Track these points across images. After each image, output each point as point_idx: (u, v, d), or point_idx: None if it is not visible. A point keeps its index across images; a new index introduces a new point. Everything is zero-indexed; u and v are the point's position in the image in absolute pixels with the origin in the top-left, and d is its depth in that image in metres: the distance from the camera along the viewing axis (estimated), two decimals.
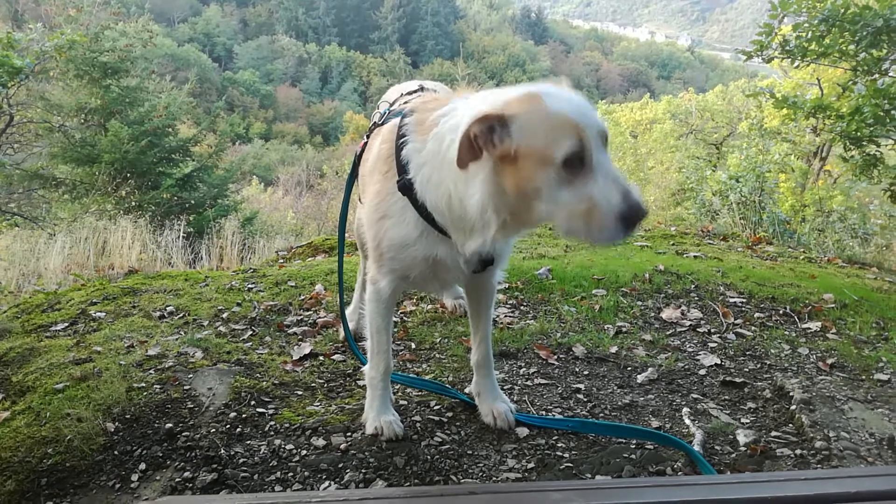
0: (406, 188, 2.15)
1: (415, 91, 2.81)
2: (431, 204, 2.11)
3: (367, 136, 2.68)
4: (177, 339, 3.19)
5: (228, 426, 2.54)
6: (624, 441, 2.59)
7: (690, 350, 3.41)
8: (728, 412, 2.85)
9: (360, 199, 2.84)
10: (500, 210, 1.93)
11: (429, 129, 2.11)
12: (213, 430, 2.51)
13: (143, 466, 2.34)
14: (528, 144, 1.81)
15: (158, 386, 2.74)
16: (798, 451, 2.52)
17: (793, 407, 2.81)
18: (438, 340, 3.37)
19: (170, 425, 2.51)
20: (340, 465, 2.37)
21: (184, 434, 2.48)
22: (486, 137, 1.84)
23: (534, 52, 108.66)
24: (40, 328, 3.45)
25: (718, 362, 3.26)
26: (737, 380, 3.10)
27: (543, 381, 3.00)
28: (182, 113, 16.29)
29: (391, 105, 2.71)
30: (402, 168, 2.17)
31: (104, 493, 2.25)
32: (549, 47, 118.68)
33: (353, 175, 2.84)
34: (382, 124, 2.49)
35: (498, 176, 1.89)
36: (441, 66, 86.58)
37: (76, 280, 5.56)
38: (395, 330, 3.47)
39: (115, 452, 2.40)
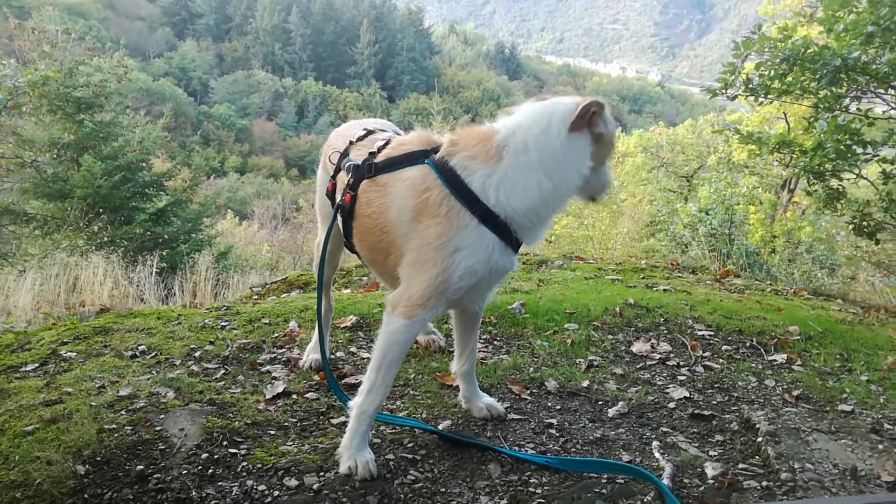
0: (486, 213, 2.44)
1: (364, 135, 2.97)
2: (516, 207, 2.46)
3: (352, 188, 2.76)
4: (149, 379, 3.17)
5: (200, 467, 2.53)
6: (595, 475, 2.63)
7: (660, 383, 3.47)
8: (696, 445, 2.91)
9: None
10: (588, 174, 2.52)
11: (494, 156, 2.48)
12: (185, 471, 2.50)
13: None
14: (609, 133, 2.53)
15: (129, 427, 2.72)
16: (764, 483, 2.57)
17: (759, 439, 2.87)
18: (412, 377, 3.39)
19: (141, 467, 2.49)
20: None
21: (155, 476, 2.46)
22: (595, 117, 2.45)
23: (508, 87, 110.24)
24: (10, 369, 3.40)
25: (687, 395, 3.32)
26: (705, 412, 3.16)
27: (516, 417, 3.03)
28: (156, 147, 16.28)
29: (343, 152, 2.93)
30: (471, 199, 2.44)
31: None
32: (524, 82, 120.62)
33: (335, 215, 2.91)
34: (372, 175, 2.69)
35: (592, 148, 2.49)
36: (417, 101, 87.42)
37: (46, 319, 5.49)
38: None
39: (86, 496, 2.37)
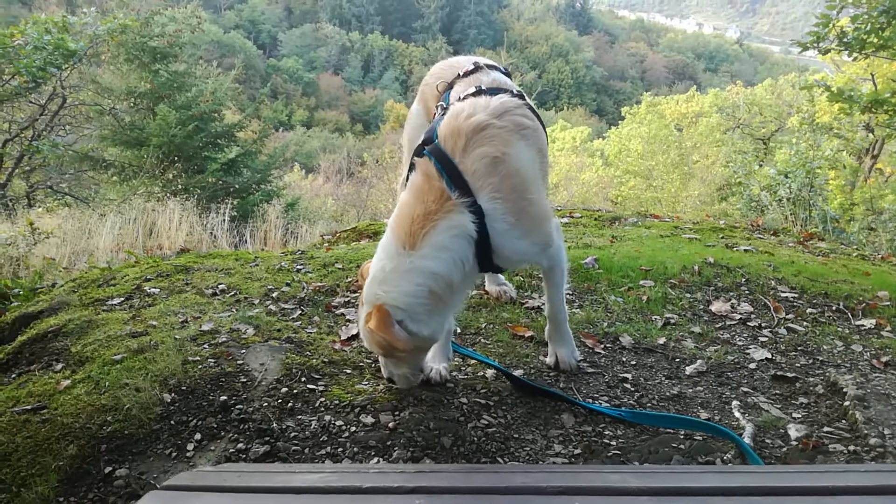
0: None
1: (472, 70, 2.86)
2: None
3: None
4: (229, 316, 3.26)
5: (280, 400, 2.59)
6: (672, 431, 2.58)
7: (740, 344, 3.36)
8: (779, 406, 2.81)
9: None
10: None
11: None
12: (266, 403, 2.57)
13: (198, 436, 2.41)
14: None
15: (212, 360, 2.81)
16: (851, 448, 2.47)
17: (846, 403, 2.75)
18: (483, 326, 3.38)
19: (224, 398, 2.58)
20: (389, 443, 2.40)
21: (237, 407, 2.54)
22: None
23: (577, 43, 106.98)
24: (97, 302, 3.55)
25: (769, 357, 3.21)
26: (788, 375, 3.05)
27: (590, 370, 2.99)
28: (228, 99, 16.57)
29: (449, 83, 2.85)
30: None
31: (161, 461, 2.32)
32: (594, 38, 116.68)
33: None
34: None
35: None
36: (483, 55, 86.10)
37: (129, 257, 5.70)
38: None
39: (172, 422, 2.47)
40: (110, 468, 2.28)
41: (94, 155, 14.61)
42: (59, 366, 2.86)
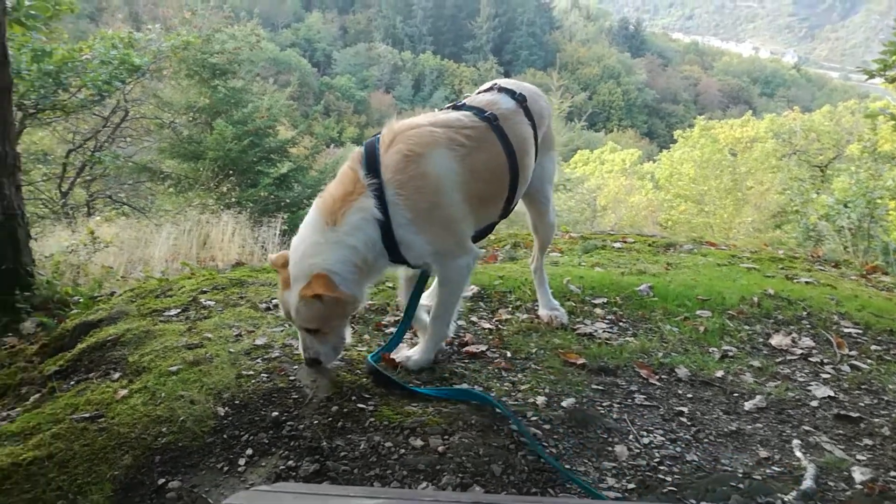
0: None
1: (487, 90, 3.24)
2: None
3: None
4: (282, 331, 3.29)
5: (330, 419, 2.59)
6: (730, 469, 2.49)
7: (801, 379, 3.24)
8: (842, 447, 2.70)
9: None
10: None
11: None
12: (317, 421, 2.57)
13: (249, 451, 2.42)
14: None
15: (265, 374, 2.83)
16: None
17: None
18: (534, 351, 3.33)
19: (276, 413, 2.59)
20: (438, 468, 2.38)
21: (288, 423, 2.55)
22: None
23: (629, 65, 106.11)
24: (154, 312, 3.62)
25: (832, 394, 3.08)
26: (852, 414, 2.93)
27: (645, 402, 2.91)
28: (282, 115, 16.90)
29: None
30: None
31: (213, 475, 2.34)
32: (646, 60, 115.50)
33: None
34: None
35: None
36: (534, 76, 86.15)
37: (184, 269, 5.82)
38: (490, 337, 3.45)
39: (225, 436, 2.49)
40: (163, 480, 2.30)
41: (152, 167, 15.05)
42: (117, 375, 2.92)
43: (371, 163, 2.62)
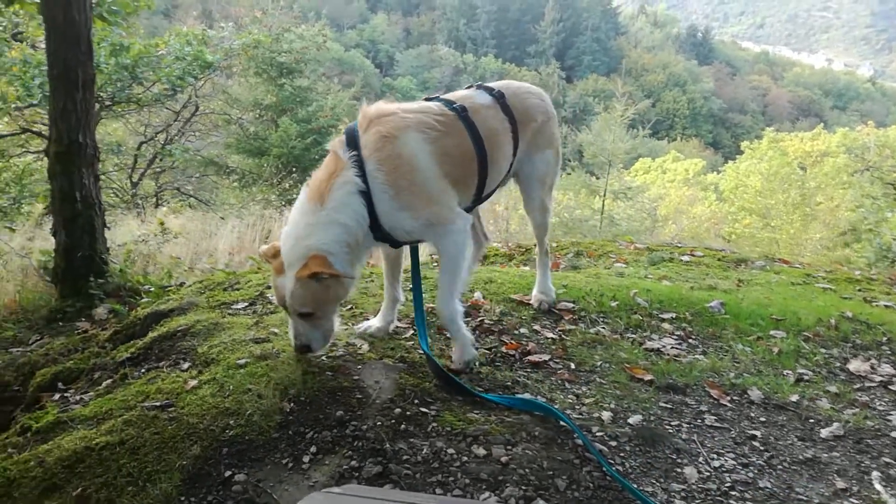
0: None
1: (468, 87, 3.39)
2: None
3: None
4: (345, 330, 3.30)
5: (393, 421, 2.58)
6: (805, 498, 2.38)
7: (881, 408, 3.09)
8: None
9: None
10: None
11: None
12: (380, 423, 2.56)
13: (313, 449, 2.43)
14: None
15: (330, 373, 2.84)
16: None
17: None
18: (599, 364, 3.25)
19: (340, 412, 2.59)
20: (500, 478, 2.34)
21: (352, 423, 2.55)
22: None
23: (696, 73, 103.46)
24: (223, 305, 3.69)
25: None
26: None
27: (715, 423, 2.81)
28: (345, 114, 17.12)
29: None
30: None
31: (277, 470, 2.35)
32: (714, 68, 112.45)
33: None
34: None
35: None
36: (596, 82, 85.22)
37: (249, 262, 5.94)
38: (553, 347, 3.40)
39: (290, 432, 2.51)
40: (230, 472, 2.33)
41: (218, 161, 15.46)
42: (186, 365, 2.98)
43: (351, 141, 2.75)
